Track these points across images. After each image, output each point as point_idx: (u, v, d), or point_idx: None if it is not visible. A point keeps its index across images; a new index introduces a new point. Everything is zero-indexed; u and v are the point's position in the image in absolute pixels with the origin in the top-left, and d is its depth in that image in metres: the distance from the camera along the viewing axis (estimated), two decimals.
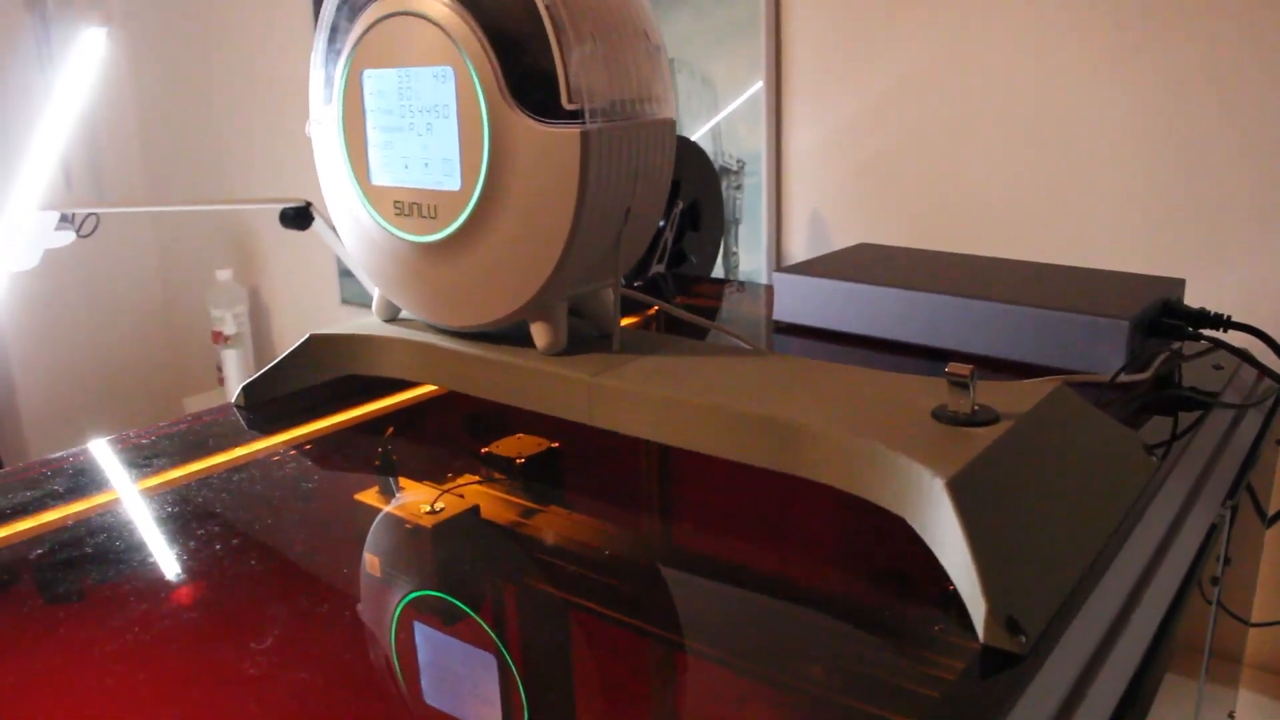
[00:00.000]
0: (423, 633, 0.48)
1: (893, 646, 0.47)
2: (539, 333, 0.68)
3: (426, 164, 0.67)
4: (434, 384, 0.74)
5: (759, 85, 1.45)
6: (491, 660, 0.46)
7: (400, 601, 0.50)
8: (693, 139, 1.51)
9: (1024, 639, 0.43)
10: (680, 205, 1.25)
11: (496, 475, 0.66)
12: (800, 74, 1.43)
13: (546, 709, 0.42)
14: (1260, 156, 1.11)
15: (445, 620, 0.49)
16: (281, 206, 1.55)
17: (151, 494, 0.63)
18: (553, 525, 0.59)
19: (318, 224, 1.58)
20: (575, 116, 0.62)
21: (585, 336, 0.72)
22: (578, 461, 0.69)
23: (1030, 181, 1.27)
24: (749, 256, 1.51)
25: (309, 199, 1.57)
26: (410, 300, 0.73)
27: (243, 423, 0.75)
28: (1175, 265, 1.16)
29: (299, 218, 1.56)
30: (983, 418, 0.54)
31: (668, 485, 0.68)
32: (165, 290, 2.49)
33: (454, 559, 0.56)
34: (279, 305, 2.34)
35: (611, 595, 0.51)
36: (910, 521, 0.50)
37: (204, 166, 2.33)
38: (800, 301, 0.95)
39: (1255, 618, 1.02)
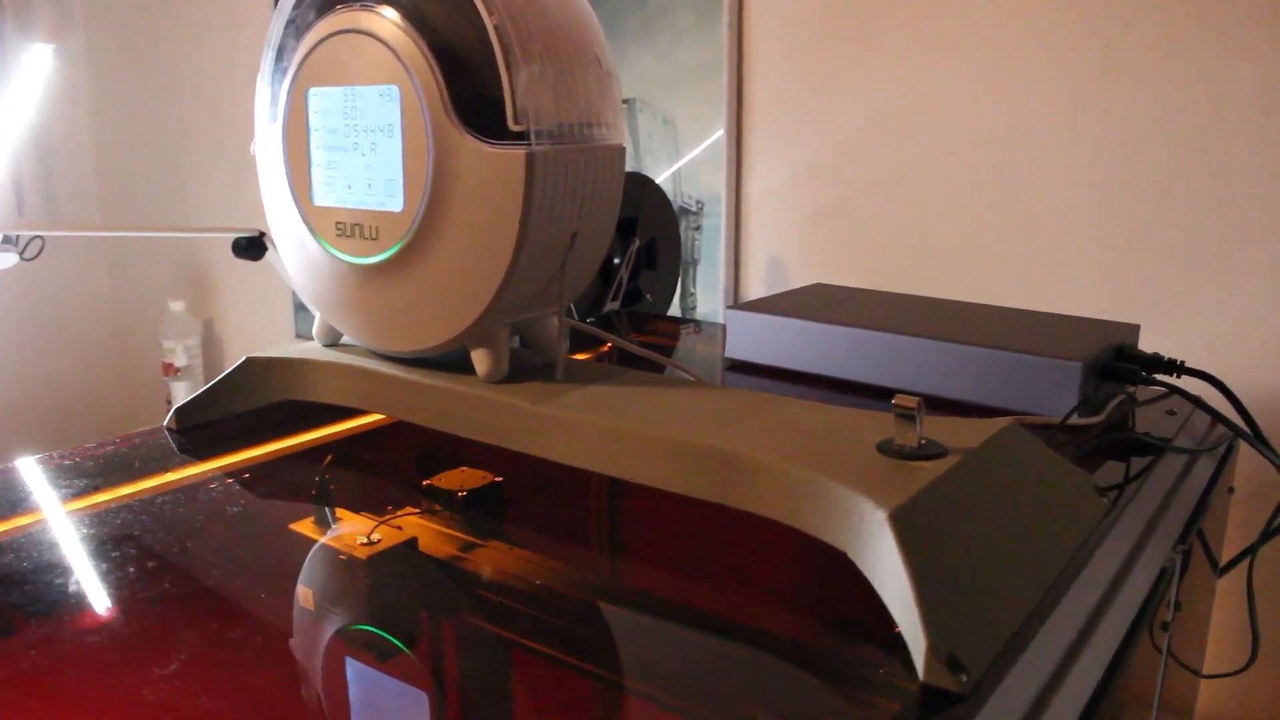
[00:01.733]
0: (353, 667, 0.45)
1: (834, 688, 0.45)
2: (479, 359, 0.66)
3: (370, 184, 0.66)
4: (372, 410, 0.71)
5: (720, 133, 1.44)
6: (423, 697, 0.43)
7: (330, 634, 0.48)
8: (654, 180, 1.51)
9: (965, 678, 0.42)
10: (637, 243, 1.24)
11: (437, 508, 0.63)
12: (761, 117, 1.43)
13: None
14: (1215, 207, 1.12)
15: (377, 655, 0.46)
16: (235, 236, 1.53)
17: (72, 515, 0.61)
18: (492, 560, 0.57)
19: (271, 254, 1.55)
20: (521, 138, 0.61)
21: (529, 365, 0.70)
22: (521, 496, 0.66)
23: (988, 228, 1.27)
24: (706, 297, 1.50)
25: (263, 229, 1.55)
26: (351, 325, 0.71)
27: (174, 446, 0.73)
28: (1130, 313, 1.16)
29: (251, 247, 1.54)
30: (929, 451, 0.52)
31: (613, 520, 0.66)
32: (116, 319, 2.45)
33: (389, 592, 0.54)
34: (232, 338, 2.30)
35: (549, 632, 0.49)
36: (852, 556, 0.49)
37: (159, 193, 2.30)
38: (753, 339, 0.93)
39: (1206, 669, 1.01)
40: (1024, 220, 1.24)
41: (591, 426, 0.59)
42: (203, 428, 0.76)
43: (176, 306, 2.20)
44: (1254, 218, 1.10)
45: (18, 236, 1.35)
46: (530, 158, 0.60)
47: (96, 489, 0.65)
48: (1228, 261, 1.12)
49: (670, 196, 1.47)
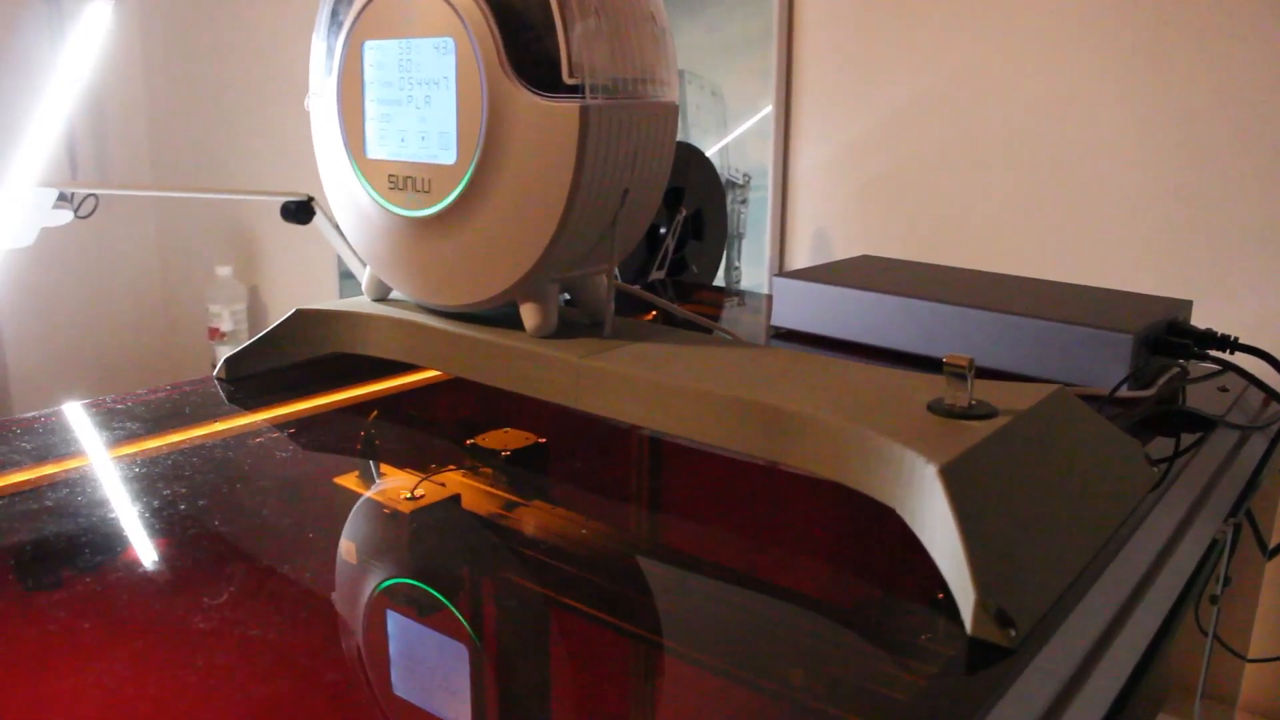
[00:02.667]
0: (394, 620, 0.46)
1: (877, 650, 0.45)
2: (529, 314, 0.66)
3: (423, 137, 0.66)
4: (419, 364, 0.72)
5: (769, 107, 1.44)
6: (463, 651, 0.43)
7: (372, 586, 0.48)
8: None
9: (1013, 633, 0.41)
10: (684, 213, 1.24)
11: (481, 467, 0.64)
12: (810, 91, 1.42)
13: (517, 704, 0.40)
14: (1270, 183, 1.10)
15: (418, 608, 0.47)
16: (284, 199, 1.54)
17: (121, 460, 0.62)
18: (534, 519, 0.57)
19: (319, 219, 1.56)
20: (575, 91, 0.61)
21: (576, 323, 0.70)
22: (565, 457, 0.67)
23: (1038, 205, 1.25)
24: (751, 271, 1.50)
25: (312, 194, 1.56)
26: (401, 278, 0.71)
27: (223, 396, 0.74)
28: (1183, 290, 1.14)
29: (300, 211, 1.54)
30: (980, 411, 0.52)
31: (656, 482, 0.66)
32: (164, 282, 2.48)
33: (431, 546, 0.54)
34: (277, 305, 2.32)
35: (591, 592, 0.49)
36: (901, 512, 0.48)
37: (210, 157, 2.32)
38: (799, 307, 0.93)
39: (1252, 654, 1.00)
40: (1074, 196, 1.22)
41: (640, 381, 0.59)
42: (251, 379, 0.76)
43: (224, 271, 2.22)
44: None
45: (73, 194, 1.37)
46: (584, 111, 0.60)
47: (148, 434, 0.66)
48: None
49: (718, 169, 1.47)
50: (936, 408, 0.53)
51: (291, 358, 0.76)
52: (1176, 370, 0.80)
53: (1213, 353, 0.79)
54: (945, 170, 1.32)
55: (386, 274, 0.72)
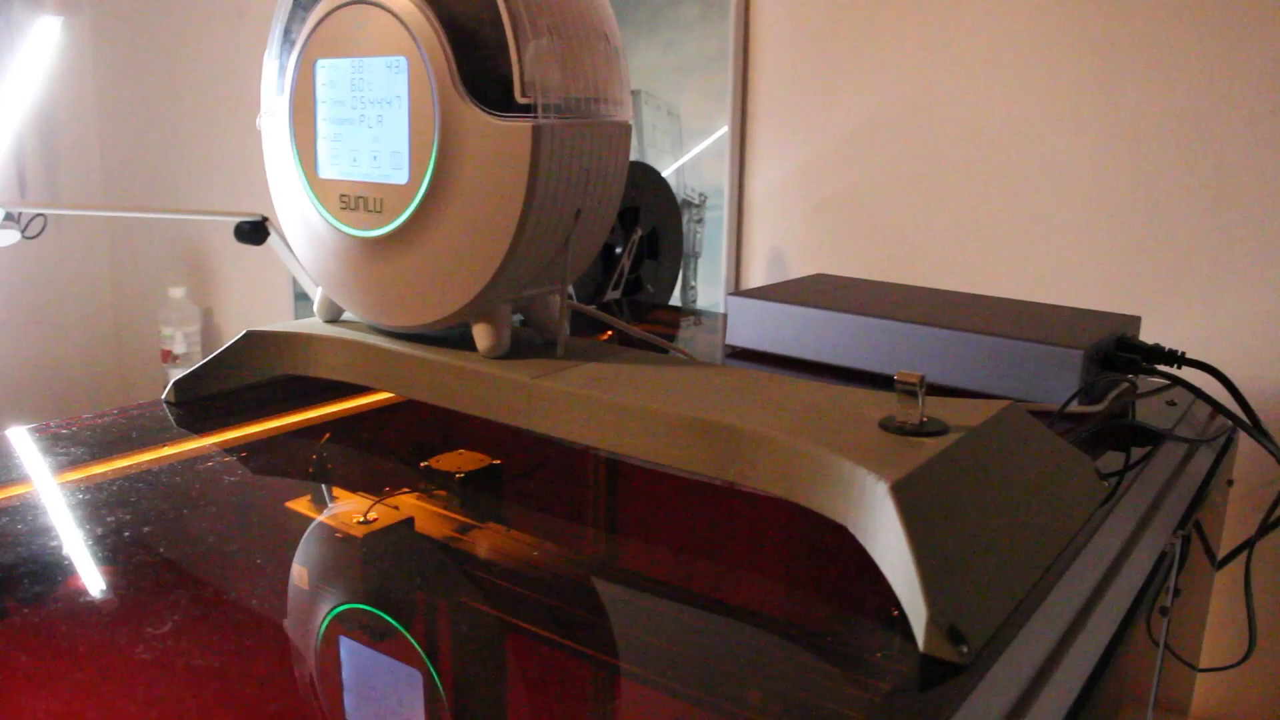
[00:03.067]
0: (346, 646, 0.45)
1: (833, 669, 0.45)
2: (481, 334, 0.66)
3: (375, 156, 0.66)
4: (372, 386, 0.71)
5: (725, 128, 1.44)
6: (417, 677, 0.43)
7: (323, 612, 0.48)
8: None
9: (966, 649, 0.42)
10: (639, 232, 1.24)
11: (435, 490, 0.63)
12: (766, 110, 1.43)
13: None
14: (1217, 202, 1.12)
15: (371, 634, 0.46)
16: (238, 219, 1.52)
17: (66, 485, 0.60)
18: (489, 541, 0.57)
19: (273, 240, 1.55)
20: (528, 111, 0.61)
21: (530, 343, 0.70)
22: (520, 478, 0.66)
23: (990, 223, 1.27)
24: (707, 290, 1.50)
25: (266, 214, 1.55)
26: (353, 299, 0.70)
27: (171, 419, 0.73)
28: (1131, 307, 1.16)
29: (254, 232, 1.53)
30: (931, 428, 0.52)
31: (611, 502, 0.65)
32: (116, 304, 2.45)
33: (384, 571, 0.53)
34: (231, 327, 2.29)
35: (546, 615, 0.49)
36: (853, 530, 0.49)
37: (162, 177, 2.29)
38: (754, 326, 0.93)
39: (1203, 665, 1.01)
40: (1026, 215, 1.24)
41: (592, 401, 0.59)
42: (201, 402, 0.75)
43: (177, 293, 2.20)
44: (1256, 213, 1.10)
45: (20, 214, 1.35)
46: (537, 130, 0.60)
47: (93, 459, 0.65)
48: (1228, 256, 1.11)
49: (673, 189, 1.47)
50: (888, 425, 0.53)
51: (242, 380, 0.75)
52: (1126, 385, 0.81)
53: (1161, 367, 0.80)
54: (899, 190, 1.33)
55: (338, 295, 0.71)
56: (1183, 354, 0.80)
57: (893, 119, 1.32)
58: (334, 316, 0.75)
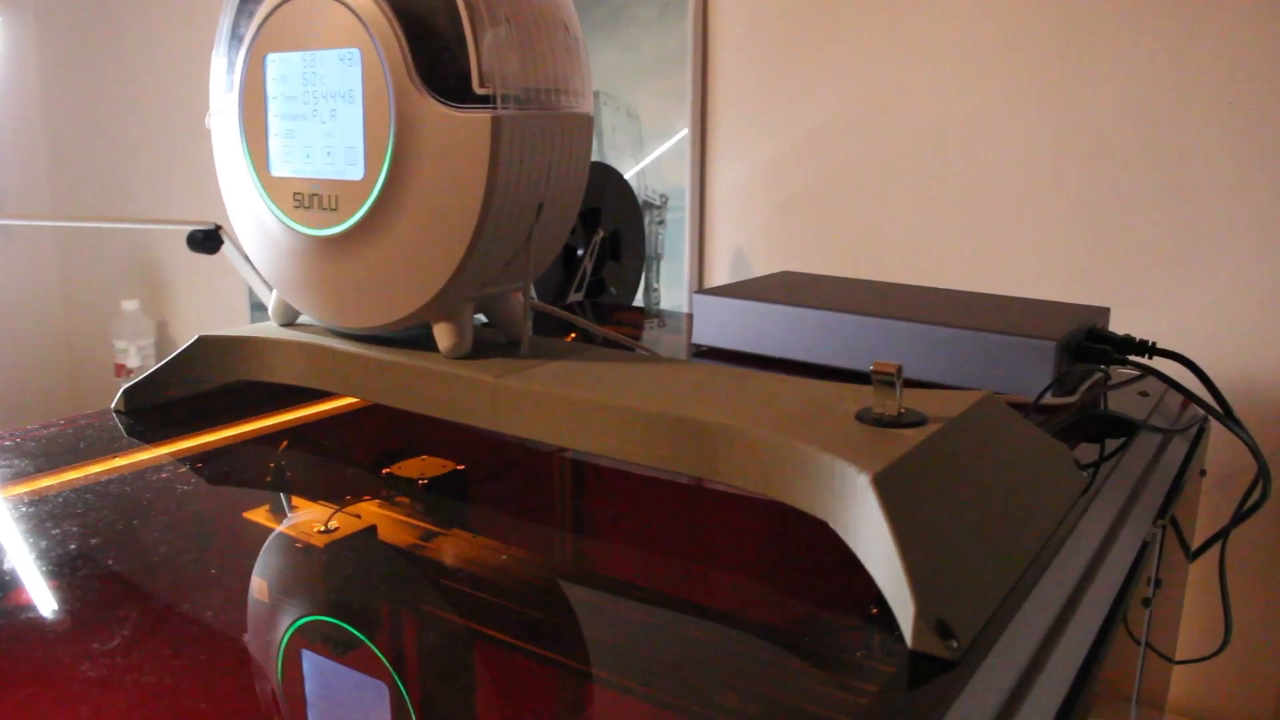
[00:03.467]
0: (309, 660, 0.43)
1: (813, 670, 0.43)
2: (442, 334, 0.64)
3: (329, 152, 0.63)
4: (329, 390, 0.69)
5: (685, 132, 1.43)
6: (382, 689, 0.41)
7: (286, 623, 0.45)
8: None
9: (955, 644, 0.40)
10: (601, 234, 1.22)
11: (397, 496, 0.61)
12: (726, 110, 1.42)
13: None
14: (1180, 194, 1.12)
15: (334, 646, 0.44)
16: (191, 228, 1.49)
17: (10, 499, 0.58)
18: (454, 547, 0.54)
19: (227, 248, 1.52)
20: (486, 102, 0.59)
21: (493, 343, 0.68)
22: (484, 482, 0.64)
23: (954, 220, 1.26)
24: (670, 292, 1.48)
25: (219, 223, 1.52)
26: (309, 301, 0.68)
27: (121, 429, 0.70)
28: (1098, 300, 1.16)
29: (208, 240, 1.50)
30: (909, 419, 0.51)
31: (579, 505, 0.63)
32: (67, 317, 2.39)
33: (347, 580, 0.51)
34: (187, 340, 2.25)
35: (515, 621, 0.47)
36: (833, 525, 0.47)
37: (112, 188, 2.25)
38: (720, 324, 0.92)
39: (1179, 657, 1.01)
40: (990, 210, 1.24)
41: (558, 399, 0.57)
42: (153, 411, 0.73)
43: (130, 306, 2.15)
44: (1218, 204, 1.10)
45: None
46: (496, 121, 0.58)
47: (38, 471, 0.62)
48: (1193, 247, 1.11)
49: (634, 190, 1.45)
50: (865, 417, 0.52)
51: (195, 387, 0.73)
52: (1099, 376, 0.81)
53: (1132, 358, 0.80)
54: (863, 187, 1.32)
55: (294, 297, 0.69)
56: (1153, 344, 0.79)
57: (854, 116, 1.32)
58: (290, 320, 0.73)
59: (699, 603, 0.49)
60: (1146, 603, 0.62)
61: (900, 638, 0.42)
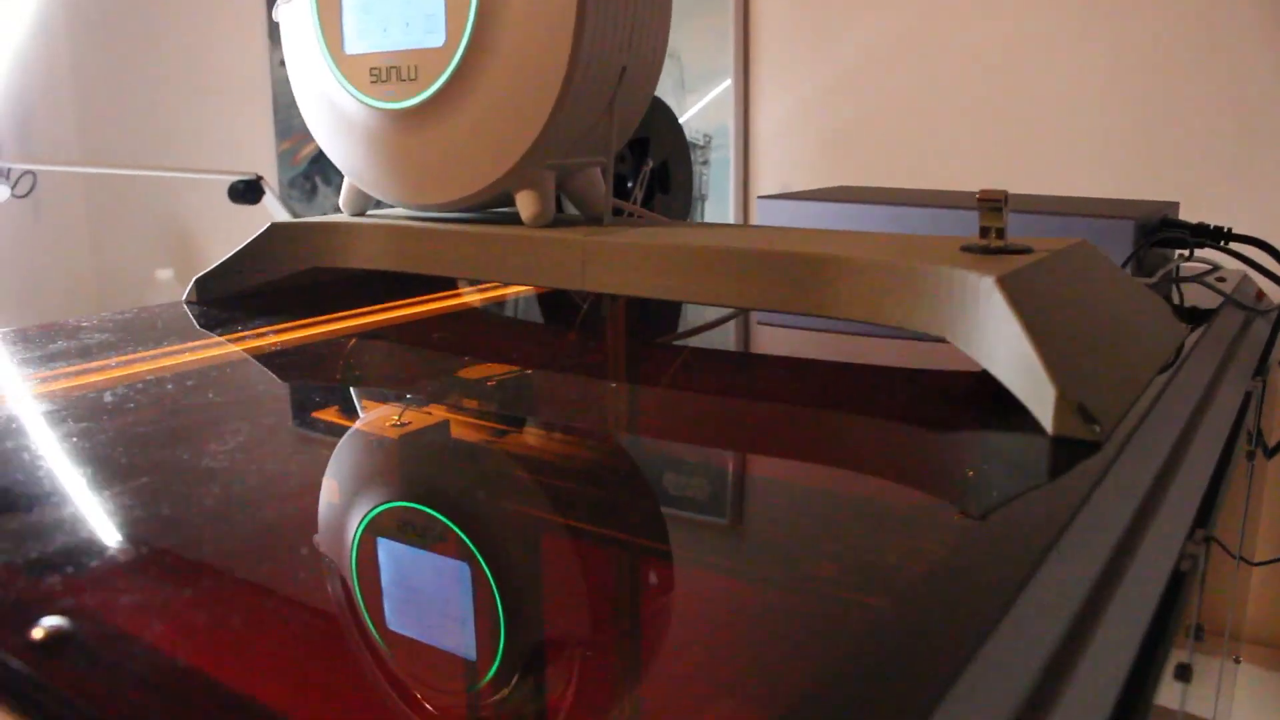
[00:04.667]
0: (386, 548, 0.40)
1: (904, 532, 0.41)
2: (525, 202, 0.63)
3: (408, 23, 0.63)
4: (411, 269, 0.68)
5: (728, 74, 1.42)
6: (465, 571, 0.37)
7: (364, 514, 0.43)
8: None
9: (1098, 428, 0.39)
10: (650, 164, 1.21)
11: (466, 397, 0.59)
12: (767, 47, 1.41)
13: (528, 627, 0.34)
14: (1235, 95, 1.10)
15: (415, 534, 0.41)
16: (233, 178, 1.49)
17: (80, 387, 0.57)
18: (528, 441, 0.52)
19: (268, 199, 1.52)
20: None
21: (571, 221, 0.67)
22: (553, 385, 0.62)
23: (1009, 143, 1.25)
24: None
25: (260, 173, 1.51)
26: (385, 181, 0.67)
27: (193, 320, 0.69)
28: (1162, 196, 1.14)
29: (249, 191, 1.50)
30: (1016, 248, 0.50)
31: (652, 400, 0.61)
32: (99, 291, 2.40)
33: (422, 471, 0.48)
34: None
35: (597, 508, 0.43)
36: (952, 338, 0.46)
37: (143, 146, 2.24)
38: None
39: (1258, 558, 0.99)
40: (1046, 128, 1.22)
41: (654, 248, 0.56)
42: (223, 303, 0.72)
43: (164, 275, 2.16)
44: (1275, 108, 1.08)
45: (9, 170, 1.31)
46: None
47: (109, 360, 0.61)
48: (1253, 138, 1.10)
49: None
50: (972, 248, 0.51)
51: (266, 275, 0.72)
52: (1178, 259, 0.80)
53: (1208, 245, 0.79)
54: (906, 117, 1.31)
55: (369, 180, 0.68)
56: (1229, 229, 0.78)
57: (897, 45, 1.30)
58: (361, 210, 0.72)
59: (789, 479, 0.46)
60: (1250, 456, 0.61)
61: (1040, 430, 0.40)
